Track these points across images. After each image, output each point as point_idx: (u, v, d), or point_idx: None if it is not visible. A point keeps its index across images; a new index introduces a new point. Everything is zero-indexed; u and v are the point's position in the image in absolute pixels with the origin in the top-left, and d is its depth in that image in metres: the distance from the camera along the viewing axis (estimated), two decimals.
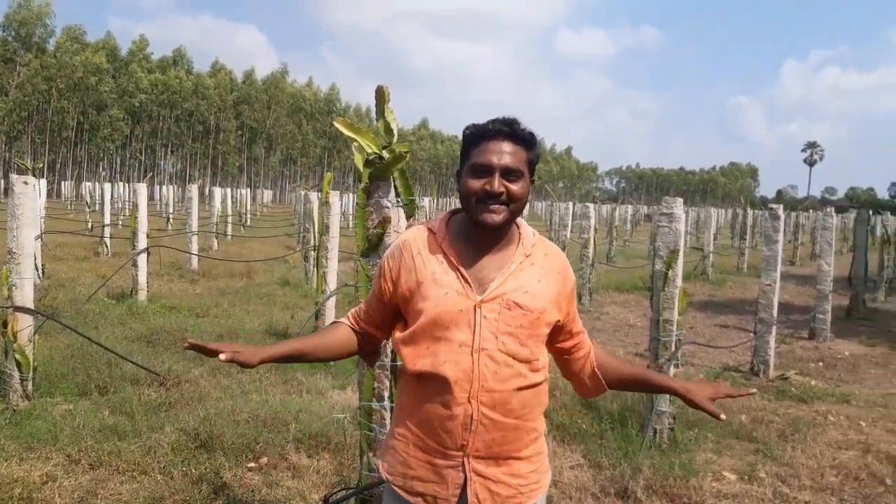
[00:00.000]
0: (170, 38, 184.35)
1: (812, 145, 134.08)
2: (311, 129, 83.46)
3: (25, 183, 4.51)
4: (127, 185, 36.79)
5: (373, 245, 2.47)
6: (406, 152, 2.39)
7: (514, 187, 1.70)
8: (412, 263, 1.75)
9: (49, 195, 47.85)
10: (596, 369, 1.92)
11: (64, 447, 4.09)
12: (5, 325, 4.53)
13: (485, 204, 1.68)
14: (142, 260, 9.01)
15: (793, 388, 6.15)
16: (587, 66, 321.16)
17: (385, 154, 2.40)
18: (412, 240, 1.79)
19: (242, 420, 4.49)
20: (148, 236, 9.40)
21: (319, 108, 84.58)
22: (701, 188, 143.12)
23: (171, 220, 23.98)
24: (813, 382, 6.47)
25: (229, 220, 22.06)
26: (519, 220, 1.80)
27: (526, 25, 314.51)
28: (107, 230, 14.76)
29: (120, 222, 23.85)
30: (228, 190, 27.98)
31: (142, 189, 9.38)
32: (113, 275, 8.88)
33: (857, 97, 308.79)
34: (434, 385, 1.70)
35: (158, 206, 34.72)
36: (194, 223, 13.32)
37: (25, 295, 4.55)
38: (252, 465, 4.02)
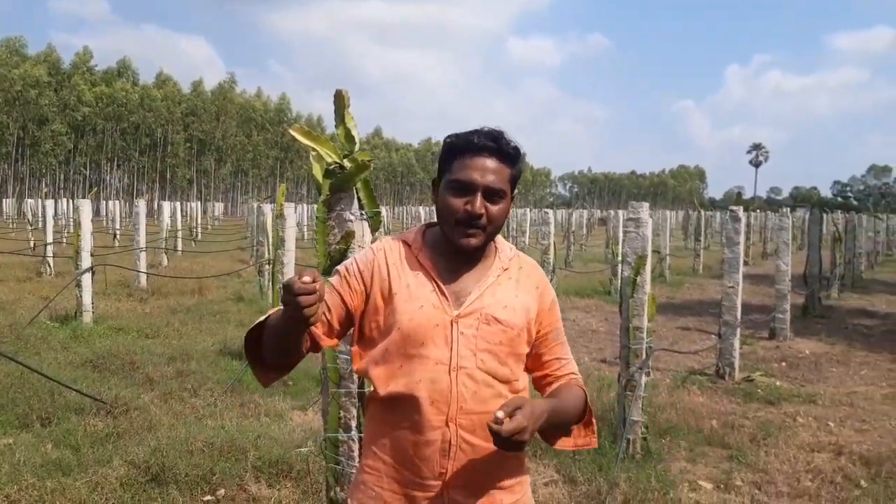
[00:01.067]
0: (113, 49, 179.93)
1: (757, 147, 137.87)
2: (262, 139, 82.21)
3: None
4: (71, 201, 35.56)
5: (335, 261, 2.27)
6: (369, 161, 2.21)
7: (495, 209, 1.59)
8: (385, 272, 1.61)
9: None
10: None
11: (2, 486, 3.77)
12: None
13: (463, 227, 1.56)
14: (86, 280, 8.59)
15: (759, 390, 6.13)
16: (537, 75, 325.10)
17: (346, 163, 2.21)
18: (387, 249, 1.66)
19: (197, 449, 4.21)
20: (93, 254, 8.96)
21: (270, 118, 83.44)
22: (652, 191, 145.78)
23: (118, 237, 23.22)
24: (778, 383, 6.48)
25: (179, 234, 21.46)
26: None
27: (474, 35, 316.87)
28: (49, 249, 14.12)
29: (64, 240, 22.91)
30: (178, 204, 27.26)
31: (85, 205, 8.95)
32: (55, 296, 8.46)
33: (797, 99, 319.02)
34: (408, 408, 1.55)
35: (105, 222, 33.71)
36: (142, 239, 12.85)
37: None
38: (208, 498, 3.76)
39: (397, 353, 1.56)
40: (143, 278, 12.16)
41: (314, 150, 2.22)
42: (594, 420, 1.71)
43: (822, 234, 11.96)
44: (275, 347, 1.53)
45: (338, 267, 1.64)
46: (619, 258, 4.47)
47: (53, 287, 11.17)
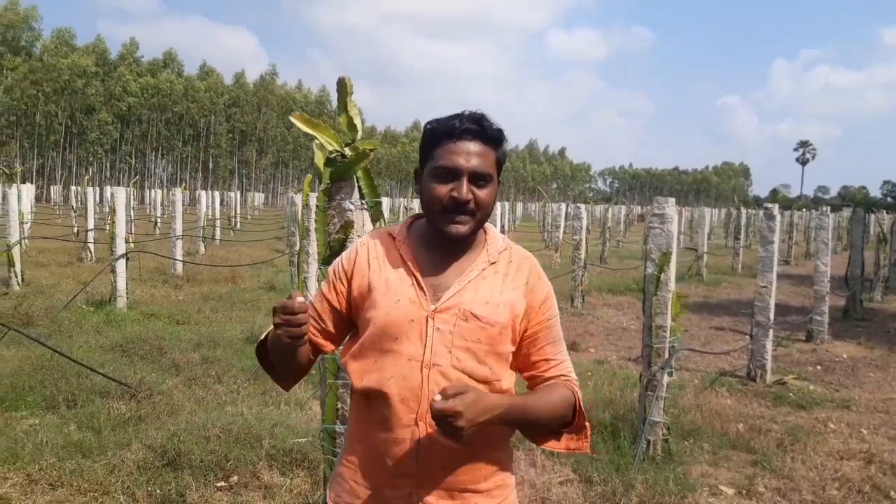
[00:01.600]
0: (159, 40, 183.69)
1: (804, 144, 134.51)
2: (303, 131, 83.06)
3: None
4: (112, 188, 36.36)
5: (334, 252, 2.24)
6: (371, 150, 2.17)
7: (482, 194, 1.52)
8: (366, 267, 1.58)
9: (38, 200, 47.48)
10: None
11: (24, 466, 3.86)
12: None
13: (450, 214, 1.50)
14: (120, 266, 8.76)
15: (791, 394, 5.95)
16: (580, 67, 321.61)
17: (348, 152, 2.18)
18: (370, 243, 1.62)
19: (213, 435, 4.25)
20: (129, 241, 9.14)
21: (310, 110, 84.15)
22: (694, 188, 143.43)
23: (158, 225, 23.72)
24: (811, 387, 6.27)
25: (217, 223, 21.78)
26: (486, 224, 1.61)
27: (517, 27, 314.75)
28: (90, 235, 14.45)
29: (106, 227, 23.51)
30: (216, 193, 27.68)
31: (119, 193, 9.13)
32: (90, 281, 8.64)
33: (848, 96, 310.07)
34: (379, 404, 1.52)
35: (148, 210, 34.38)
36: (178, 227, 13.06)
37: None
38: (221, 484, 3.78)
39: (372, 347, 1.52)
40: (179, 266, 12.35)
41: (316, 138, 2.19)
42: (587, 424, 1.61)
43: (867, 235, 11.57)
44: (278, 361, 1.57)
45: (328, 268, 1.63)
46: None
47: (92, 272, 11.42)
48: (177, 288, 10.99)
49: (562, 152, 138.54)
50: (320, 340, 1.61)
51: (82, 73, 63.68)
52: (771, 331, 6.48)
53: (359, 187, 2.25)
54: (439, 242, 1.56)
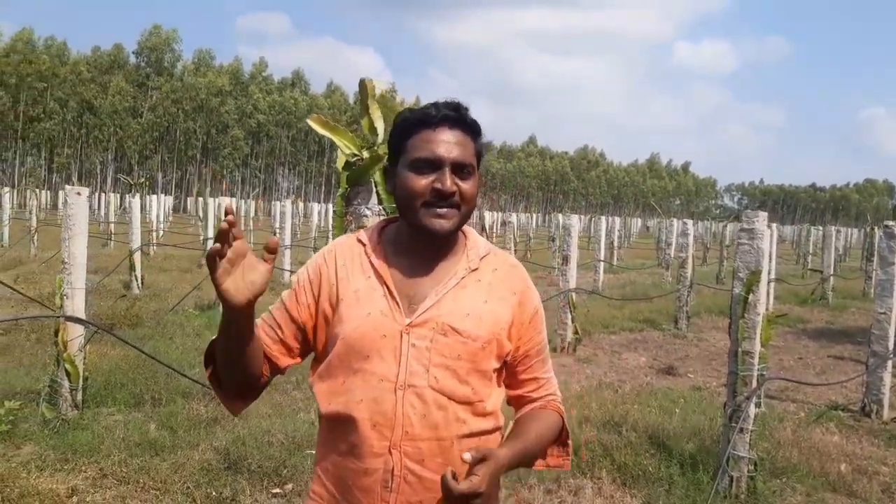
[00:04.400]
0: (292, 60, 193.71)
1: None
2: None
3: (78, 194, 4.55)
4: (244, 201, 38.61)
5: None
6: (385, 154, 2.07)
7: (466, 185, 1.38)
8: (333, 277, 1.44)
9: (175, 210, 51.18)
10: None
11: (99, 460, 4.04)
12: (57, 333, 4.56)
13: (433, 207, 1.35)
14: None
15: None
16: (706, 80, 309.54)
17: (365, 154, 2.10)
18: (338, 250, 1.47)
19: (277, 441, 4.29)
20: None
21: None
22: (832, 206, 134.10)
23: (277, 234, 24.84)
24: None
25: (330, 234, 22.52)
26: (466, 227, 1.47)
27: (641, 40, 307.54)
28: (209, 244, 15.31)
29: None
30: (329, 205, 28.71)
31: (222, 202, 9.56)
32: (195, 287, 9.10)
33: None
34: (347, 430, 1.37)
35: (276, 221, 36.13)
36: (287, 237, 13.58)
37: (76, 305, 4.57)
38: (276, 490, 3.79)
39: (341, 366, 1.38)
40: (287, 274, 12.81)
41: (334, 142, 2.13)
42: (570, 442, 1.53)
43: None
44: (226, 365, 1.37)
45: (293, 276, 1.49)
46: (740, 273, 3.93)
47: (208, 279, 12.06)
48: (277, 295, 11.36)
49: (685, 167, 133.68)
50: (274, 352, 1.45)
51: (217, 92, 68.33)
52: (890, 362, 5.82)
53: (377, 192, 2.17)
54: (415, 247, 1.42)
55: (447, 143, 1.36)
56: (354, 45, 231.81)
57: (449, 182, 1.35)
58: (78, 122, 65.13)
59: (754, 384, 4.09)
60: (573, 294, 8.27)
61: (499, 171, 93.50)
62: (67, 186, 4.55)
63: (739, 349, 4.13)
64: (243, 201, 38.11)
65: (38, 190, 30.28)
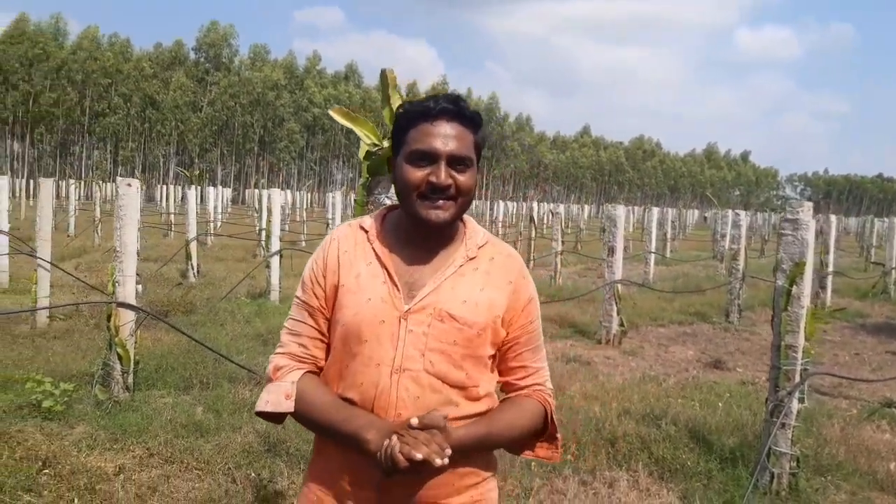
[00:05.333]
0: (347, 54, 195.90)
1: None
2: None
3: (129, 185, 4.72)
4: (298, 193, 39.28)
5: None
6: None
7: (463, 178, 1.41)
8: (336, 265, 1.48)
9: (234, 202, 52.43)
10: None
11: (146, 440, 4.21)
12: (109, 318, 4.76)
13: (429, 199, 1.40)
14: (274, 262, 9.38)
15: None
16: (766, 67, 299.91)
17: (385, 144, 2.14)
18: (341, 238, 1.53)
19: None
20: (281, 240, 9.77)
21: None
22: None
23: (330, 226, 25.22)
24: None
25: None
26: (466, 216, 1.49)
27: (698, 27, 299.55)
28: (264, 234, 15.65)
29: (287, 227, 25.41)
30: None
31: (275, 195, 9.79)
32: (247, 276, 9.33)
33: None
34: None
35: (328, 212, 36.67)
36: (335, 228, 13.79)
37: (128, 291, 4.76)
38: None
39: (342, 351, 1.44)
40: None
41: (355, 132, 2.17)
42: (559, 435, 1.53)
43: None
44: (310, 426, 1.50)
45: (303, 274, 1.53)
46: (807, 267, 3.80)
47: (260, 268, 12.37)
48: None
49: (744, 156, 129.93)
50: (321, 357, 1.51)
51: (273, 86, 69.67)
52: None
53: None
54: (415, 235, 1.46)
55: (444, 136, 1.39)
56: (407, 38, 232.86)
57: (444, 175, 1.38)
58: (141, 117, 67.36)
59: (797, 379, 3.99)
60: (618, 286, 8.17)
61: (552, 162, 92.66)
62: (119, 178, 4.73)
63: (782, 343, 4.03)
64: (298, 193, 38.79)
65: (102, 182, 31.48)
